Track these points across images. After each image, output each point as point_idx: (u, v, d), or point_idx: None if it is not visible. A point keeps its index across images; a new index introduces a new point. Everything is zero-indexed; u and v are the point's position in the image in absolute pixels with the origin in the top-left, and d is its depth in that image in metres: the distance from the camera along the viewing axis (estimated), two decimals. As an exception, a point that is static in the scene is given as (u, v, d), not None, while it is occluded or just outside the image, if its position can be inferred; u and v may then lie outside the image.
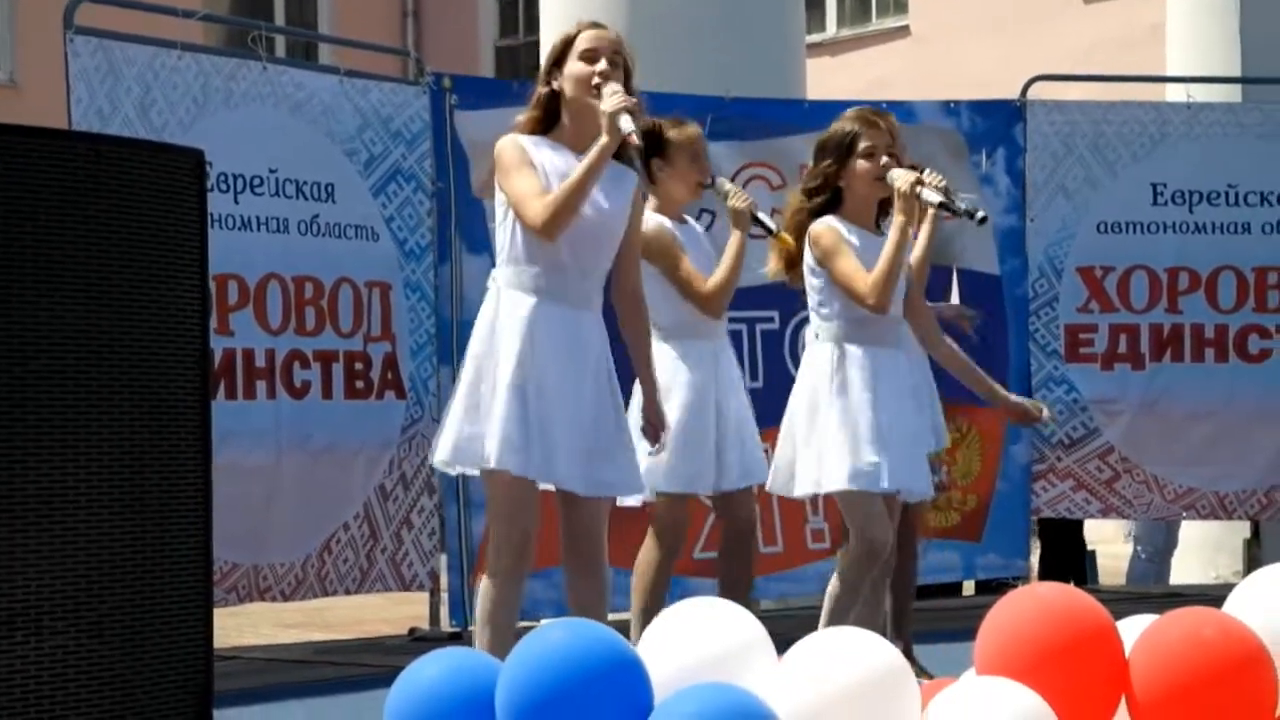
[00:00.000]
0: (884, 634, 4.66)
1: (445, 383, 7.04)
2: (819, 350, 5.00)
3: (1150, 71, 10.63)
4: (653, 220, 5.48)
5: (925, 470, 5.09)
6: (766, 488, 5.17)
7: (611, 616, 4.44)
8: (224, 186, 6.50)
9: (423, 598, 7.32)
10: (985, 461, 7.80)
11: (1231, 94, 9.02)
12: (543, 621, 6.12)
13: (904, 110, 7.84)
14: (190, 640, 3.89)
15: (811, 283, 5.01)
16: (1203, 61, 9.81)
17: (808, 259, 5.00)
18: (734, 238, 5.36)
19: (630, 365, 4.69)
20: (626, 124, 4.25)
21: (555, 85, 4.43)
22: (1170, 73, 10.11)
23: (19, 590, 3.61)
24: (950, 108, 8.00)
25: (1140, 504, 8.09)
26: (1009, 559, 8.04)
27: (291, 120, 6.77)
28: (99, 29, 6.27)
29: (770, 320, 7.40)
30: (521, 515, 4.33)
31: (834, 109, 7.20)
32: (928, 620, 6.48)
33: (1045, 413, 5.78)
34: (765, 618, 3.75)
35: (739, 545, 5.51)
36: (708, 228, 5.47)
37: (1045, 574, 8.75)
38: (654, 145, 5.50)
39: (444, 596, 7.19)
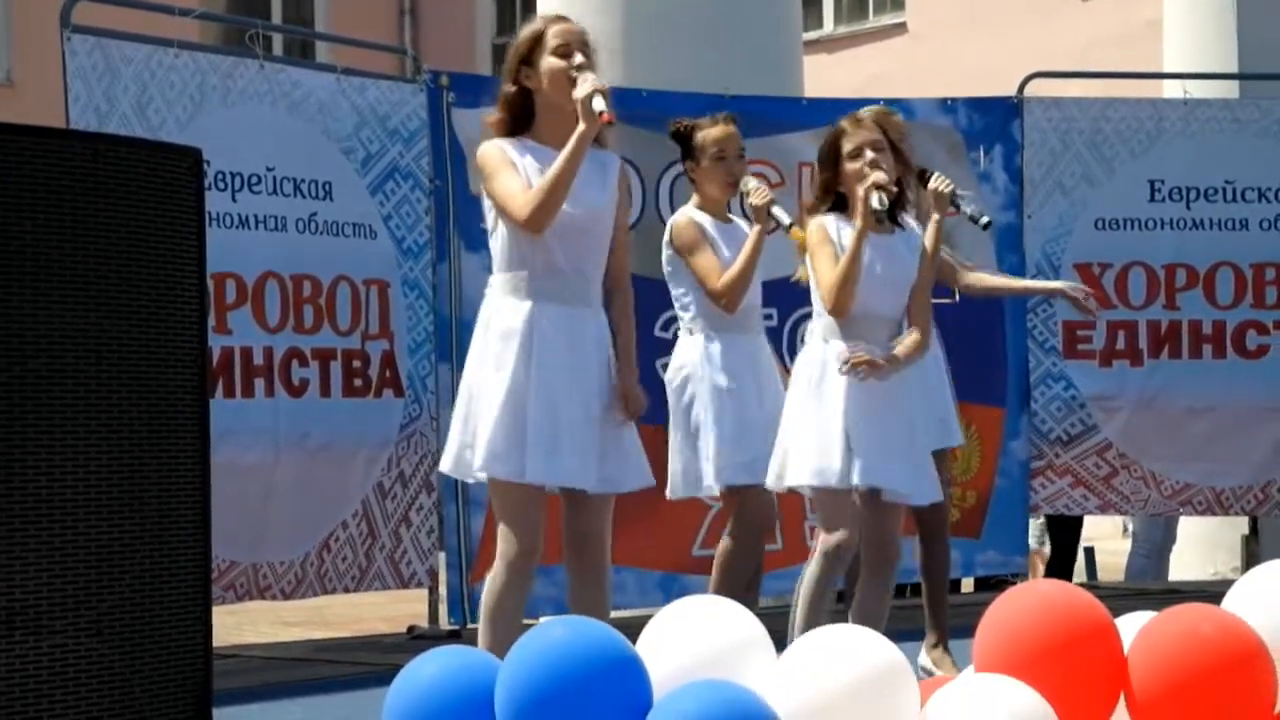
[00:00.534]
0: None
1: (444, 380, 7.05)
2: (807, 347, 5.02)
3: (1147, 68, 10.63)
4: (683, 214, 5.53)
5: (925, 474, 5.03)
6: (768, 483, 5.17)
7: (614, 614, 4.45)
8: (222, 185, 6.50)
9: (421, 595, 7.33)
10: (984, 458, 7.80)
11: (1229, 90, 9.02)
12: (542, 619, 6.13)
13: (901, 108, 7.80)
14: (189, 639, 3.89)
15: (808, 281, 5.03)
16: (1200, 58, 9.81)
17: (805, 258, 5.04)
18: (752, 233, 5.39)
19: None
20: (599, 104, 4.25)
21: (526, 83, 4.40)
22: (1168, 69, 10.11)
23: (17, 589, 3.60)
24: (948, 105, 8.00)
25: (1138, 500, 8.09)
26: (1008, 555, 8.04)
27: (289, 118, 6.77)
28: (96, 27, 6.27)
29: (769, 318, 7.40)
30: (524, 519, 4.33)
31: (832, 106, 7.24)
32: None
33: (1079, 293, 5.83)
34: (764, 615, 3.75)
35: (756, 542, 5.51)
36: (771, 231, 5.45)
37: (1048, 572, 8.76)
38: (685, 146, 5.55)
39: (443, 594, 7.19)
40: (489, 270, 4.54)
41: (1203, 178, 8.04)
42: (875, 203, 4.82)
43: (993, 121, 7.99)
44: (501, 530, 4.38)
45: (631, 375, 4.54)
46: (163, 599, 3.82)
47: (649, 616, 3.56)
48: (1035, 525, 9.20)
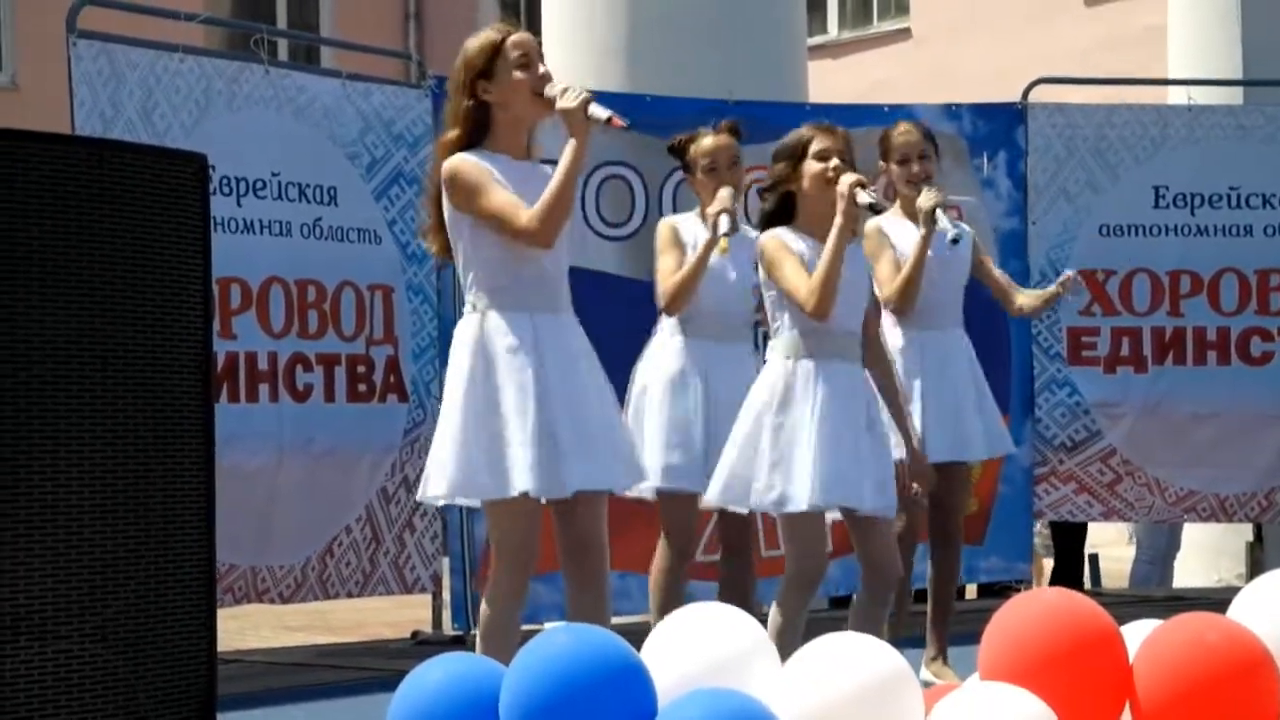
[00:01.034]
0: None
1: (448, 386, 7.04)
2: (770, 364, 4.86)
3: (1151, 74, 10.63)
4: (668, 220, 5.55)
5: (886, 485, 4.88)
6: (707, 499, 4.99)
7: (616, 621, 4.43)
8: (226, 190, 6.50)
9: (425, 601, 7.32)
10: (987, 464, 7.78)
11: (1233, 96, 9.02)
12: (546, 626, 6.13)
13: (905, 114, 7.82)
14: (193, 644, 3.89)
15: (765, 295, 4.90)
16: (1204, 64, 9.80)
17: (760, 273, 4.89)
18: (702, 243, 5.35)
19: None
20: (601, 111, 4.22)
21: (485, 96, 4.31)
22: (1171, 75, 10.11)
23: (22, 594, 3.61)
24: (952, 111, 7.99)
25: (1142, 507, 8.09)
26: (1011, 562, 8.03)
27: (294, 123, 6.77)
28: (101, 32, 6.28)
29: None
30: (531, 531, 4.30)
31: (836, 111, 7.24)
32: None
33: (1068, 279, 5.82)
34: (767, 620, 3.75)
35: (738, 547, 5.50)
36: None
37: (1054, 579, 8.76)
38: (682, 160, 5.55)
39: (447, 600, 7.19)
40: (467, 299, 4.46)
41: (1207, 184, 8.03)
42: (865, 198, 4.73)
43: (997, 127, 7.99)
44: (503, 545, 4.30)
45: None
46: (167, 604, 3.82)
47: (650, 622, 3.55)
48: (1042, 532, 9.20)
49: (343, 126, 6.92)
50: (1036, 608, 3.38)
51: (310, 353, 6.72)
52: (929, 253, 5.68)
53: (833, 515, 4.87)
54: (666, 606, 5.00)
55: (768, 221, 4.92)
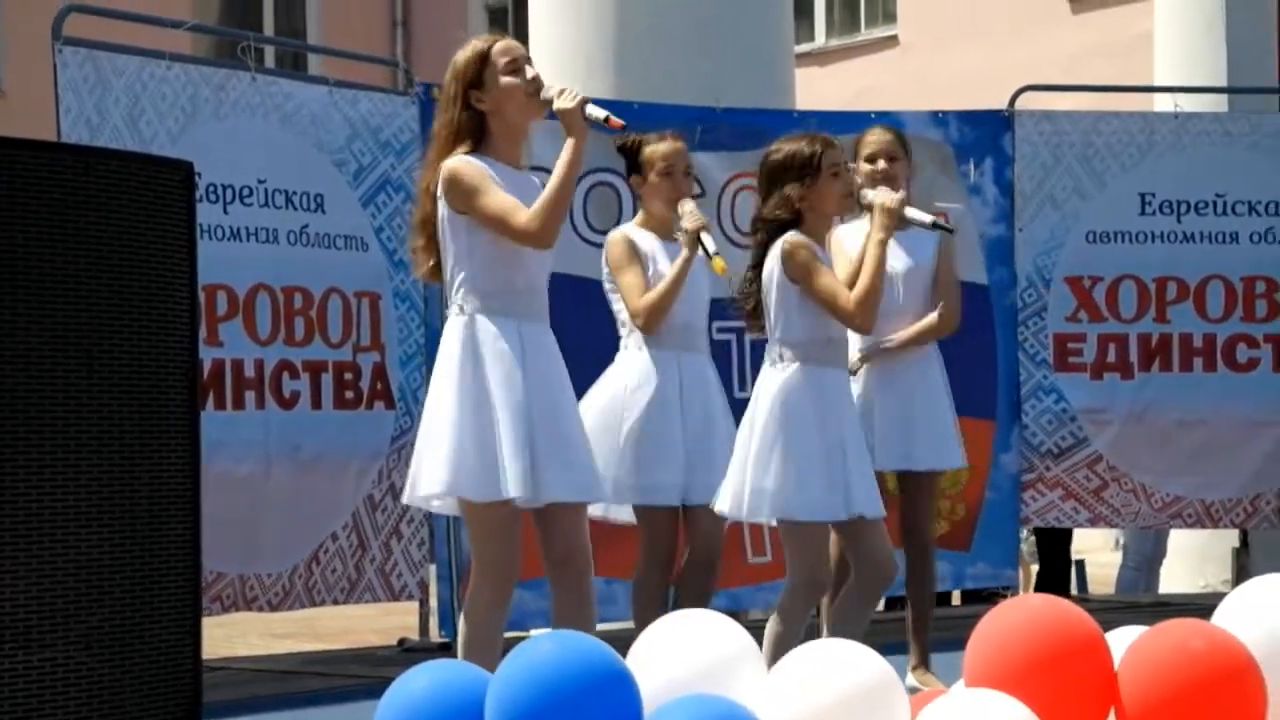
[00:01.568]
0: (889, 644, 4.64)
1: (434, 393, 7.03)
2: (778, 372, 4.88)
3: (1138, 81, 10.66)
4: (618, 232, 5.50)
5: (874, 485, 4.95)
6: (715, 507, 5.04)
7: (601, 627, 4.44)
8: (213, 197, 6.50)
9: (412, 608, 7.32)
10: (974, 471, 7.79)
11: (1219, 104, 9.05)
12: (532, 632, 6.13)
13: (892, 120, 7.84)
14: (179, 651, 3.89)
15: (777, 300, 4.89)
16: (1190, 71, 9.84)
17: (775, 276, 4.89)
18: (679, 257, 5.34)
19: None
20: (598, 111, 4.24)
21: (479, 105, 4.34)
22: (1158, 82, 10.13)
23: (7, 602, 3.61)
24: (939, 118, 8.00)
25: (1128, 513, 8.10)
26: (998, 568, 8.04)
27: (281, 131, 6.77)
28: (88, 39, 6.27)
29: (763, 329, 7.39)
30: (513, 539, 4.32)
31: (823, 119, 7.25)
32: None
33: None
34: (754, 628, 3.76)
35: (704, 564, 5.48)
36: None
37: (1040, 585, 8.77)
38: (632, 161, 5.52)
39: (434, 607, 7.18)
40: (452, 301, 4.47)
41: (1193, 191, 8.05)
42: (924, 217, 4.83)
43: (984, 134, 8.00)
44: (484, 553, 4.31)
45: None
46: (152, 612, 3.82)
47: (634, 632, 3.56)
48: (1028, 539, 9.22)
49: (330, 134, 6.91)
50: (1022, 614, 3.39)
51: (297, 360, 6.71)
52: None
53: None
54: (648, 620, 5.01)
55: (775, 232, 4.91)
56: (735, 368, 7.26)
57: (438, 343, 6.98)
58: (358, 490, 6.88)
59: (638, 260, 5.37)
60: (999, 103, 8.12)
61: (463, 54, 4.40)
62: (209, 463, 5.61)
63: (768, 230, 4.92)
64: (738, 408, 5.38)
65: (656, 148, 5.46)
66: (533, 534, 4.45)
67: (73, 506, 3.72)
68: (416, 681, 3.39)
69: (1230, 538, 9.00)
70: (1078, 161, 8.03)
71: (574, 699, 3.20)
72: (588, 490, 4.36)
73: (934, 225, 5.01)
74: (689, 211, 5.33)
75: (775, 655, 4.67)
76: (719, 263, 5.15)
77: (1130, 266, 8.02)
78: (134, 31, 6.57)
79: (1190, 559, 9.97)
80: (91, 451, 3.77)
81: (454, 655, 4.87)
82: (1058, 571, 8.79)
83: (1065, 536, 8.73)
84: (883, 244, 4.83)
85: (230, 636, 8.14)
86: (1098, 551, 10.94)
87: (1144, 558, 9.18)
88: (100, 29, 6.43)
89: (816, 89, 13.46)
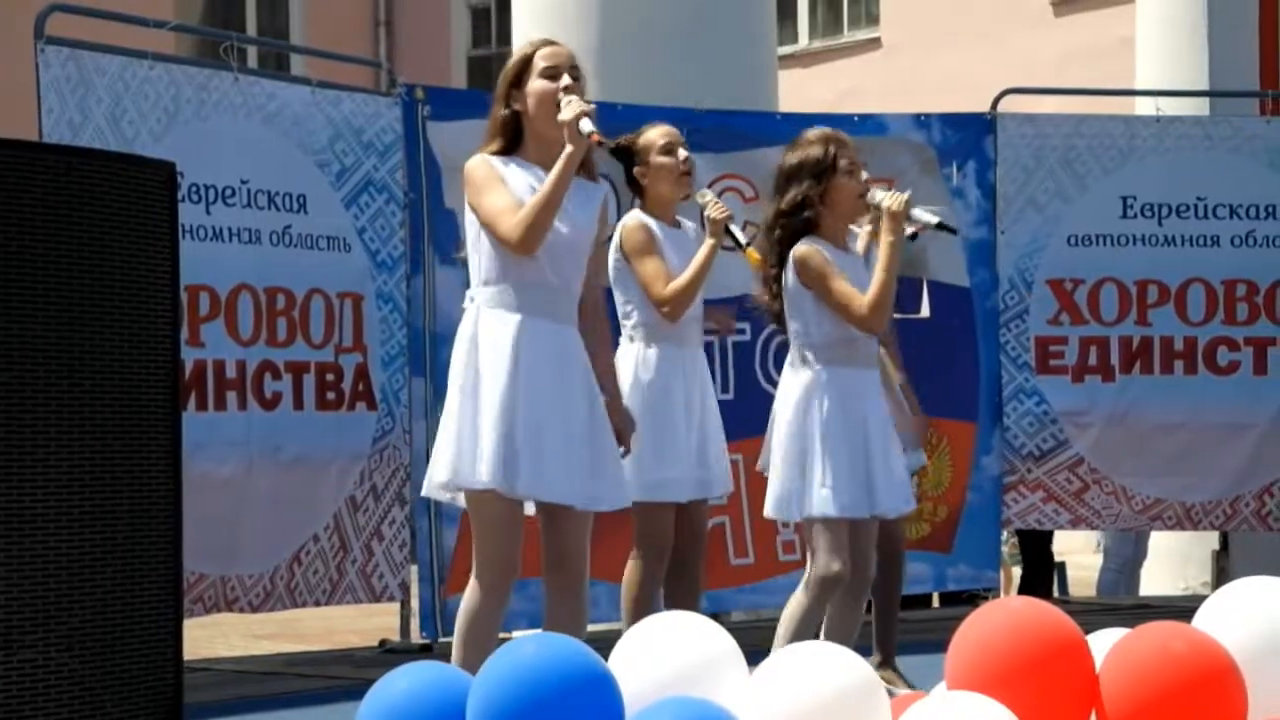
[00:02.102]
0: (859, 645, 4.68)
1: (417, 394, 7.04)
2: (801, 373, 4.97)
3: (1121, 84, 10.68)
4: (633, 217, 5.51)
5: (906, 486, 5.10)
6: (764, 512, 5.10)
7: (590, 628, 4.44)
8: (195, 197, 6.48)
9: (394, 609, 7.31)
10: (956, 473, 7.82)
11: (1201, 107, 9.07)
12: (516, 634, 6.13)
13: (875, 123, 7.87)
14: (160, 652, 3.88)
15: (795, 305, 4.97)
16: (1172, 75, 9.85)
17: (790, 282, 4.96)
18: (704, 246, 5.36)
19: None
20: (587, 126, 4.26)
21: (516, 106, 4.42)
22: (1140, 86, 10.16)
23: (-12, 603, 3.59)
24: (921, 120, 8.02)
25: (1109, 515, 8.12)
26: (979, 570, 8.06)
27: (263, 131, 6.76)
28: (70, 39, 6.25)
29: (742, 332, 7.41)
30: (507, 535, 4.32)
31: (807, 121, 7.22)
32: (899, 632, 6.49)
33: None
34: (736, 630, 3.76)
35: (690, 559, 5.48)
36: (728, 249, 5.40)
37: (1022, 587, 8.78)
38: (630, 156, 5.53)
39: (415, 608, 7.18)
40: (464, 284, 4.52)
41: (1175, 194, 8.07)
42: (930, 217, 4.88)
43: (966, 137, 8.01)
44: (481, 548, 4.35)
45: (619, 404, 4.71)
46: (134, 613, 3.81)
47: (621, 631, 3.56)
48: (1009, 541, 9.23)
49: (312, 134, 6.90)
50: (1002, 616, 3.39)
51: (279, 361, 6.70)
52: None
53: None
54: (640, 617, 5.02)
55: (790, 240, 4.96)
56: (718, 371, 7.26)
57: (420, 344, 7.10)
58: (339, 491, 6.87)
59: (656, 247, 5.39)
60: (981, 105, 8.14)
61: (515, 53, 4.48)
62: (190, 463, 5.60)
63: (787, 231, 4.96)
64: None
65: (651, 134, 5.49)
66: (531, 538, 4.46)
67: (53, 507, 3.71)
68: (397, 683, 3.39)
69: (1210, 540, 9.03)
70: (1059, 164, 8.05)
71: (555, 701, 3.20)
72: (584, 496, 4.35)
73: (939, 226, 5.05)
74: (713, 201, 5.35)
75: (788, 638, 4.77)
76: (753, 253, 5.16)
77: (1111, 269, 8.04)
78: (116, 31, 6.55)
79: (1171, 561, 9.99)
80: (72, 452, 3.76)
81: (435, 657, 4.87)
82: (1039, 574, 8.81)
83: (1047, 539, 8.75)
84: (892, 245, 4.87)
85: (212, 637, 8.13)
86: (1079, 554, 10.95)
87: (1124, 560, 9.19)
88: (82, 28, 6.41)
89: (800, 91, 13.47)
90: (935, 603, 8.66)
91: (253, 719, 5.77)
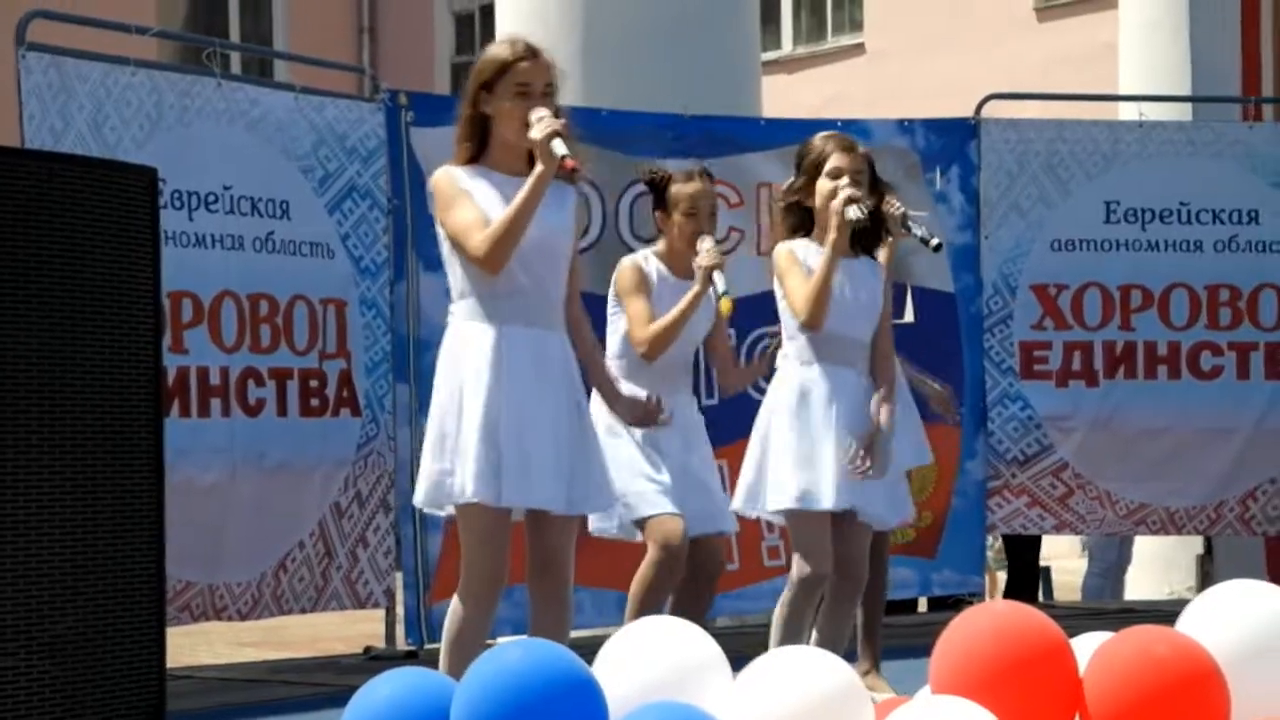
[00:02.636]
0: (851, 649, 4.69)
1: (401, 400, 7.03)
2: (781, 370, 5.06)
3: (1104, 90, 10.70)
4: (632, 258, 5.50)
5: (899, 494, 5.08)
6: (731, 506, 5.16)
7: (575, 633, 4.44)
8: (178, 204, 6.47)
9: (379, 616, 7.29)
10: (941, 478, 7.82)
11: (1184, 112, 9.09)
12: (500, 640, 6.12)
13: (859, 129, 7.86)
14: (143, 660, 3.87)
15: (778, 304, 5.08)
16: (1155, 80, 9.88)
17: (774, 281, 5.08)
18: (690, 291, 5.34)
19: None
20: (560, 149, 4.23)
21: (485, 109, 4.36)
22: (1123, 91, 10.18)
23: (-31, 611, 3.58)
24: (905, 126, 8.02)
25: (1093, 520, 8.13)
26: (965, 575, 8.06)
27: (246, 137, 6.75)
28: (52, 45, 6.24)
29: (728, 337, 7.40)
30: (495, 546, 4.32)
31: (791, 126, 7.26)
32: (884, 637, 6.50)
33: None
34: (721, 635, 3.75)
35: (702, 591, 5.47)
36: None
37: (1007, 592, 8.80)
38: (659, 196, 5.51)
39: (400, 615, 7.16)
40: (447, 290, 4.51)
41: (1158, 199, 8.08)
42: (853, 214, 4.85)
43: (950, 142, 8.02)
44: (469, 559, 4.34)
45: (618, 393, 4.74)
46: (117, 620, 3.80)
47: (606, 636, 3.55)
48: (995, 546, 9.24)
49: (295, 140, 6.90)
50: (986, 621, 3.39)
51: (262, 367, 6.69)
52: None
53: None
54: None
55: (791, 231, 5.08)
56: (703, 376, 7.26)
57: (404, 350, 7.08)
58: (324, 498, 6.86)
59: (646, 288, 5.38)
60: (965, 111, 8.15)
61: (490, 51, 4.42)
62: (174, 470, 5.60)
63: (787, 224, 5.08)
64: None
65: (683, 188, 5.45)
66: (516, 544, 4.45)
67: (36, 515, 3.70)
68: (380, 690, 3.38)
69: (1195, 544, 9.04)
70: (1043, 170, 8.06)
71: (540, 707, 3.19)
72: (567, 500, 4.34)
73: (936, 247, 5.14)
74: (707, 249, 5.34)
75: (778, 640, 4.77)
76: (726, 303, 5.18)
77: (1095, 274, 8.05)
78: (98, 38, 6.54)
79: (1155, 565, 10.00)
80: (54, 460, 3.75)
81: (420, 663, 4.87)
82: (1024, 579, 8.82)
83: (1032, 544, 8.76)
84: (833, 245, 4.90)
85: (196, 645, 8.10)
86: (1064, 558, 10.96)
87: (1109, 564, 9.21)
88: (64, 35, 6.39)
89: (784, 97, 13.47)
90: (923, 608, 8.66)
91: (237, 726, 5.76)
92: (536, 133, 4.24)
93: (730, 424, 6.49)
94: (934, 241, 5.65)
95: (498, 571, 4.33)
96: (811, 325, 4.92)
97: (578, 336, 4.54)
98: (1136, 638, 3.35)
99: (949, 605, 8.26)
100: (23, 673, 3.63)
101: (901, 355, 6.24)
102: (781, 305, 5.06)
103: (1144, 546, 9.69)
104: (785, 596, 4.97)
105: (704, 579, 5.43)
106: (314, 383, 6.85)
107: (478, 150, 4.39)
